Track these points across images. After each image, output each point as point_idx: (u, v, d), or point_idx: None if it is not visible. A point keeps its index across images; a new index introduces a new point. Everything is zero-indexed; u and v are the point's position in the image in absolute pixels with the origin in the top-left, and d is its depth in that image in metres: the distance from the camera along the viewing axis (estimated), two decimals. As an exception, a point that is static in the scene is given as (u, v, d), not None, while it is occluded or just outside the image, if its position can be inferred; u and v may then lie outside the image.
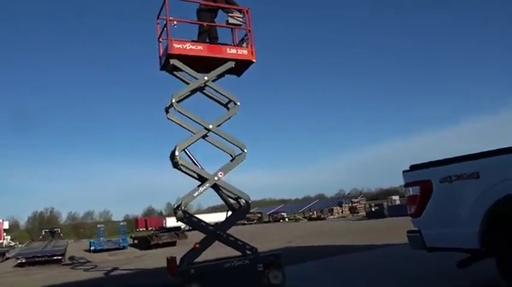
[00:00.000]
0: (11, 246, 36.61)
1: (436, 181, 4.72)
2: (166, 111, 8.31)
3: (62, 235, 34.43)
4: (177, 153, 7.68)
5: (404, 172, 5.20)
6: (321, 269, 9.05)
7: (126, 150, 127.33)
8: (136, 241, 31.06)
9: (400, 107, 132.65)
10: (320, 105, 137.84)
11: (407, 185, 5.10)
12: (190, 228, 41.99)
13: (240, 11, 8.65)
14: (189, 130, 8.26)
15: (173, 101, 7.84)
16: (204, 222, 8.28)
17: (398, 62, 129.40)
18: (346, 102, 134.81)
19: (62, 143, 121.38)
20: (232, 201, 8.45)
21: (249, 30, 8.61)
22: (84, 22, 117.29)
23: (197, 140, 8.18)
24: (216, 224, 8.91)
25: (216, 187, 8.16)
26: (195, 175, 8.17)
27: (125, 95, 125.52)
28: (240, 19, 8.60)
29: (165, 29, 8.12)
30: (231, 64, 8.28)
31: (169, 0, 8.08)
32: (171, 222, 51.48)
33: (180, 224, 47.03)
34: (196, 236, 29.80)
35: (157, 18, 8.54)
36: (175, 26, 8.05)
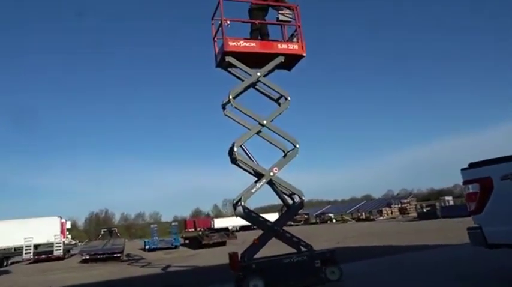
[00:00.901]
0: (73, 244, 39.17)
1: (497, 178, 4.78)
2: (223, 107, 8.72)
3: (119, 234, 36.33)
4: (235, 149, 8.09)
5: (462, 169, 5.29)
6: (375, 267, 9.17)
7: (173, 153, 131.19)
8: (187, 241, 32.16)
9: (450, 106, 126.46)
10: (369, 104, 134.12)
11: (466, 182, 5.18)
12: (238, 229, 42.86)
13: (289, 8, 8.99)
14: (244, 126, 8.59)
15: (230, 97, 8.24)
16: (263, 218, 8.62)
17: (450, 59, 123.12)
18: (397, 101, 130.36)
19: (113, 148, 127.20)
20: (286, 197, 8.74)
21: (299, 26, 8.91)
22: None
23: (252, 135, 8.50)
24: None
25: (271, 182, 8.47)
26: (251, 171, 8.52)
27: (173, 97, 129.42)
28: (290, 16, 8.94)
29: (220, 28, 8.57)
30: (281, 59, 8.61)
31: (223, 1, 8.53)
32: (219, 223, 52.92)
33: (227, 225, 48.47)
34: (245, 236, 30.59)
35: (212, 19, 9.08)
36: (229, 26, 8.48)
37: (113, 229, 37.89)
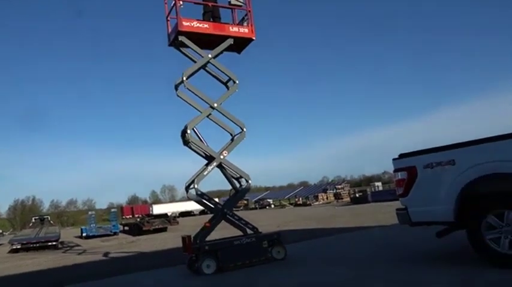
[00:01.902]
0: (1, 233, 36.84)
1: (420, 167, 5.68)
2: (176, 88, 8.89)
3: (52, 221, 34.82)
4: (188, 131, 8.40)
5: (394, 159, 6.15)
6: (315, 245, 10.11)
7: (107, 137, 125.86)
8: (127, 228, 31.67)
9: (383, 95, 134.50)
10: (304, 91, 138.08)
11: (396, 170, 6.05)
12: (178, 215, 42.78)
13: None
14: (195, 108, 8.86)
15: (183, 78, 8.49)
16: (214, 201, 9.03)
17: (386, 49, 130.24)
18: (332, 87, 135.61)
19: (44, 132, 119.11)
20: (234, 181, 9.15)
21: (249, 11, 9.37)
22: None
23: (203, 118, 8.80)
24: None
25: (220, 166, 8.85)
26: (203, 153, 8.86)
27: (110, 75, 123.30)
28: (241, 0, 9.36)
29: (174, 8, 8.79)
30: (231, 41, 8.98)
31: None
32: (158, 209, 52.55)
33: (166, 211, 48.18)
34: (185, 222, 30.87)
35: None
36: (182, 6, 8.74)
37: (45, 216, 36.17)
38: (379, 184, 48.23)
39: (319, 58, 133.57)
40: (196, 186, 8.38)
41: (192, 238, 8.02)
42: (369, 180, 74.90)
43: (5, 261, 17.67)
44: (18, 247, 22.24)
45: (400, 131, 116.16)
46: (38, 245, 22.21)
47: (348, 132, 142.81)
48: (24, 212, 77.10)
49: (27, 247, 22.12)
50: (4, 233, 44.69)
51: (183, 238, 8.01)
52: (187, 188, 8.52)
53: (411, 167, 5.76)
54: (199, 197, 8.52)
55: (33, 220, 34.66)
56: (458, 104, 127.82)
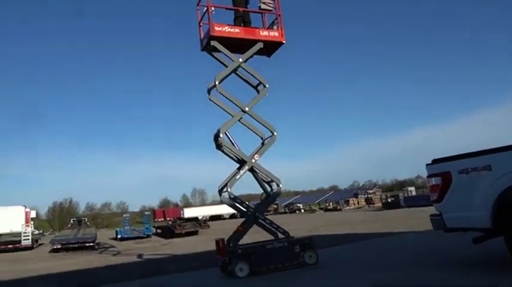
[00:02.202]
0: (40, 233, 38.51)
1: (455, 172, 5.62)
2: (209, 92, 9.12)
3: (88, 223, 36.04)
4: (221, 135, 8.60)
5: (427, 165, 6.11)
6: (347, 251, 10.07)
7: (139, 142, 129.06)
8: (159, 230, 32.34)
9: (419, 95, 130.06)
10: (338, 91, 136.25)
11: (430, 176, 6.01)
12: (208, 219, 43.38)
13: None
14: (227, 112, 9.05)
15: (216, 82, 8.73)
16: (246, 204, 9.17)
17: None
18: (366, 93, 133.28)
19: (79, 137, 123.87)
20: (265, 185, 9.23)
21: (279, 15, 9.54)
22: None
23: (235, 122, 8.96)
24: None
25: (252, 169, 8.98)
26: (235, 157, 8.99)
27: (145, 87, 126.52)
28: (271, 5, 9.55)
29: (206, 14, 9.09)
30: (260, 45, 9.17)
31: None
32: (189, 213, 53.32)
33: (197, 214, 48.87)
34: (215, 226, 31.10)
35: (198, 5, 9.55)
36: (213, 12, 9.02)
37: (82, 218, 37.51)
38: (412, 188, 47.01)
39: (351, 58, 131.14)
40: (229, 189, 8.55)
41: (225, 241, 8.20)
42: (402, 185, 73.16)
43: (47, 260, 18.57)
44: (59, 246, 23.24)
45: (437, 133, 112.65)
46: (76, 245, 23.16)
47: (380, 135, 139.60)
48: (62, 214, 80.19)
49: (66, 247, 23.07)
50: (44, 233, 46.65)
51: (217, 241, 8.21)
52: (220, 191, 8.71)
53: (446, 173, 5.71)
54: (232, 201, 8.68)
55: (72, 222, 36.03)
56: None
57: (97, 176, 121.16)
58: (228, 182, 8.66)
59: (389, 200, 40.17)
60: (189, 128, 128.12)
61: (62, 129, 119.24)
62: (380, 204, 43.29)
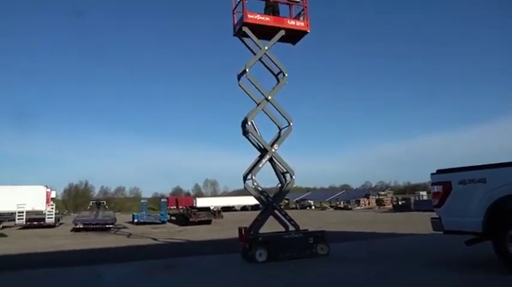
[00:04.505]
0: (62, 213, 40.25)
1: (455, 182, 6.50)
2: (238, 78, 9.92)
3: (107, 207, 37.51)
4: (249, 122, 9.43)
5: (432, 174, 7.01)
6: (355, 246, 11.00)
7: (155, 129, 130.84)
8: (173, 218, 33.52)
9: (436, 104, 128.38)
10: (352, 94, 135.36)
11: (433, 184, 6.90)
12: (220, 209, 44.47)
13: None
14: (252, 99, 9.85)
15: (246, 69, 9.59)
16: (266, 193, 9.87)
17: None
18: (381, 93, 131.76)
19: (97, 120, 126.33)
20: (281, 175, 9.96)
21: (305, 7, 10.46)
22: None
23: (260, 110, 9.70)
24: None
25: (271, 159, 9.72)
26: (257, 145, 9.74)
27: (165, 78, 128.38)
28: None
29: (240, 3, 10.03)
30: (282, 33, 10.04)
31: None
32: (202, 202, 54.53)
33: (209, 205, 50.02)
34: (227, 216, 31.99)
35: None
36: (246, 1, 9.96)
37: (101, 201, 39.04)
38: (424, 193, 47.08)
39: (370, 57, 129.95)
40: (253, 177, 9.33)
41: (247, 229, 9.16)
42: (414, 188, 73.06)
43: (69, 238, 19.95)
44: (81, 226, 24.71)
45: (455, 139, 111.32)
46: (97, 226, 24.56)
47: (396, 137, 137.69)
48: (78, 196, 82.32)
49: (87, 227, 24.47)
50: (63, 213, 48.57)
51: (240, 229, 9.20)
52: (244, 178, 9.51)
53: (447, 182, 6.59)
54: (255, 188, 9.42)
55: (91, 204, 37.59)
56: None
57: (112, 159, 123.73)
58: (251, 170, 9.44)
59: (400, 202, 40.54)
60: (204, 119, 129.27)
61: (82, 109, 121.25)
62: (391, 206, 43.79)
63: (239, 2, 10.10)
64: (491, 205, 5.93)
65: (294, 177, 9.79)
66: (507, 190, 5.78)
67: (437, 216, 6.76)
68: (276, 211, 9.76)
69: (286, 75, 9.98)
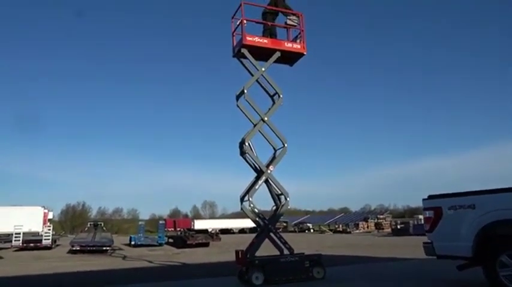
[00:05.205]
0: (58, 234, 39.97)
1: (445, 208, 6.69)
2: (237, 98, 10.22)
3: (104, 228, 37.29)
4: (246, 143, 9.64)
5: (423, 199, 7.20)
6: (351, 270, 11.05)
7: (152, 151, 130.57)
8: (171, 240, 33.24)
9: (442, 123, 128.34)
10: (350, 117, 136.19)
11: (425, 209, 7.09)
12: (218, 232, 44.13)
13: (295, 15, 10.99)
14: (249, 119, 10.11)
15: (245, 90, 9.89)
16: (263, 216, 9.95)
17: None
18: (380, 116, 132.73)
19: (96, 140, 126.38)
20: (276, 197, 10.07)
21: (302, 30, 10.92)
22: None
23: (257, 131, 9.94)
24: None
25: (267, 181, 9.87)
26: (254, 165, 9.90)
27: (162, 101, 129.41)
28: (296, 21, 10.97)
29: (239, 26, 10.40)
30: (278, 54, 10.43)
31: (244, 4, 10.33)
32: (199, 224, 54.11)
33: (207, 227, 49.65)
34: (225, 239, 31.59)
35: (232, 18, 10.89)
36: (245, 25, 10.34)
37: (99, 223, 38.86)
38: (422, 217, 47.08)
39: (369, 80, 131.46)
40: (250, 199, 9.46)
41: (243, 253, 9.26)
42: (413, 212, 72.66)
43: (69, 259, 19.83)
44: (78, 248, 24.48)
45: (458, 163, 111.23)
46: (94, 248, 24.37)
47: (395, 161, 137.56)
48: (75, 217, 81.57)
49: (84, 249, 24.28)
50: (60, 234, 48.26)
51: (237, 252, 9.30)
52: (241, 200, 9.65)
53: (438, 208, 6.78)
54: (252, 210, 9.53)
55: (88, 225, 37.44)
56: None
57: (110, 180, 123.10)
58: (248, 191, 9.58)
59: (398, 226, 40.42)
60: (203, 142, 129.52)
61: (81, 130, 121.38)
62: (389, 229, 43.59)
63: (238, 24, 10.52)
64: (480, 231, 6.10)
65: (288, 199, 9.92)
66: (496, 215, 5.97)
67: (429, 241, 6.91)
68: (272, 234, 9.85)
69: (281, 96, 10.28)
